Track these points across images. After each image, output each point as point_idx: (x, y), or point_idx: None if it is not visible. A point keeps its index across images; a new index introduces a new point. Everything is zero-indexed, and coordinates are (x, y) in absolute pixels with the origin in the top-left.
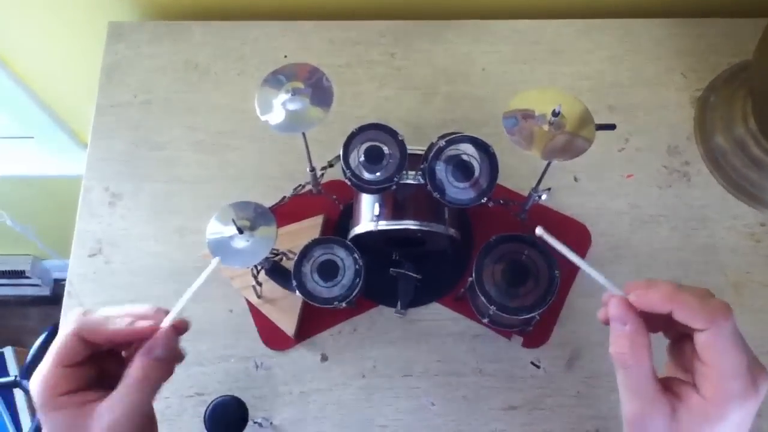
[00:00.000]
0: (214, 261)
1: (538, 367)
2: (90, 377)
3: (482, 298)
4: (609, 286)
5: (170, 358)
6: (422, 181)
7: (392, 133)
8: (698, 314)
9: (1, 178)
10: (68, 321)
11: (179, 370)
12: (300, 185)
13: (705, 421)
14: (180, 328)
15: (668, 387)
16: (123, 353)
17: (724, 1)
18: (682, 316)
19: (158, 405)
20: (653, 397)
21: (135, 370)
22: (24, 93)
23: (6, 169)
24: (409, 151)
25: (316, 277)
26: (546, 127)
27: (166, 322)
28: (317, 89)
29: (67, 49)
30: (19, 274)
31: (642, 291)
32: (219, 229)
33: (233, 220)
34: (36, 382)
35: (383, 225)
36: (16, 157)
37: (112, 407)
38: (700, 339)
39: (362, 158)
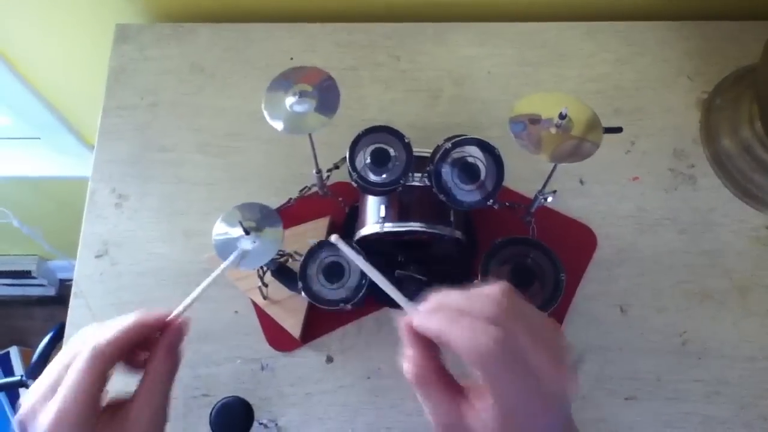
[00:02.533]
0: (231, 257)
1: None
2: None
3: None
4: (403, 304)
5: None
6: (428, 183)
7: (398, 136)
8: (466, 357)
9: (7, 179)
10: (80, 354)
11: (184, 371)
12: (306, 187)
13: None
14: (186, 324)
15: (465, 395)
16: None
17: (730, 3)
18: (453, 352)
19: None
20: (447, 411)
21: (159, 364)
22: (31, 94)
23: (13, 170)
24: (414, 154)
25: (321, 278)
26: (553, 131)
27: (176, 314)
28: (324, 92)
29: (74, 52)
30: (26, 274)
31: (423, 318)
32: (225, 230)
33: (240, 222)
34: (59, 422)
35: (389, 227)
36: (23, 158)
37: (142, 409)
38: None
39: (368, 160)
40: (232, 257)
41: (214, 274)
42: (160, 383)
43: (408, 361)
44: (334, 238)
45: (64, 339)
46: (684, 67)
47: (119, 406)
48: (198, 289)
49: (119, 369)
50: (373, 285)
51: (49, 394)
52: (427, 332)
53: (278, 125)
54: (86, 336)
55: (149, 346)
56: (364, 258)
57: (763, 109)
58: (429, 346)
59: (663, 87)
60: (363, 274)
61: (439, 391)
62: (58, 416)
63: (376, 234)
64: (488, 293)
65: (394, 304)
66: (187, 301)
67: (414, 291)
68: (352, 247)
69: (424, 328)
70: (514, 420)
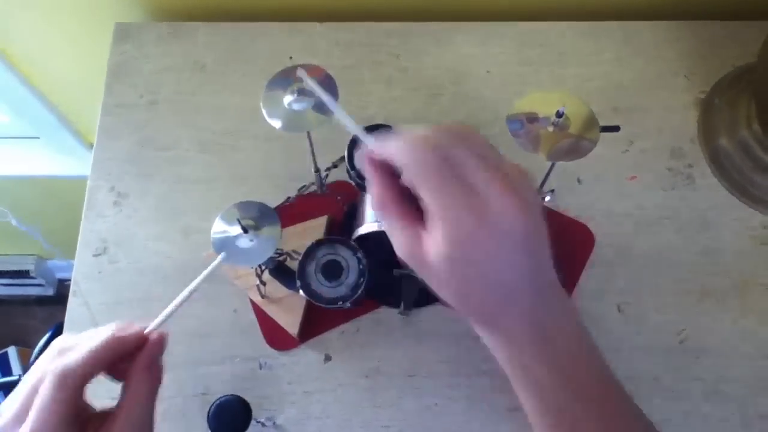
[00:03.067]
0: (218, 258)
1: None
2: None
3: None
4: (360, 135)
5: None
6: None
7: None
8: (407, 172)
9: (6, 178)
10: (45, 381)
11: (182, 369)
12: (305, 185)
13: (439, 253)
14: (164, 338)
15: (422, 217)
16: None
17: (728, 3)
18: (402, 171)
19: (162, 405)
20: (404, 232)
21: (140, 384)
22: (30, 93)
23: (12, 169)
24: None
25: (320, 277)
26: (550, 129)
27: (152, 328)
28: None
29: (73, 50)
30: (24, 274)
31: (378, 144)
32: (224, 228)
33: (238, 220)
34: None
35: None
36: (22, 157)
37: (123, 428)
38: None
39: None
40: (206, 271)
41: (191, 286)
42: (142, 402)
43: (370, 187)
44: (299, 71)
45: None
46: (682, 67)
47: (104, 418)
48: (174, 303)
49: (102, 376)
50: (372, 284)
51: (21, 416)
52: (381, 155)
53: (277, 123)
54: (54, 354)
55: (128, 360)
56: (331, 97)
57: (761, 108)
58: (389, 174)
59: (661, 86)
60: (361, 273)
61: (398, 212)
62: None
63: (375, 232)
64: (445, 125)
65: (392, 303)
66: (164, 315)
67: (412, 289)
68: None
69: (379, 151)
70: (461, 243)
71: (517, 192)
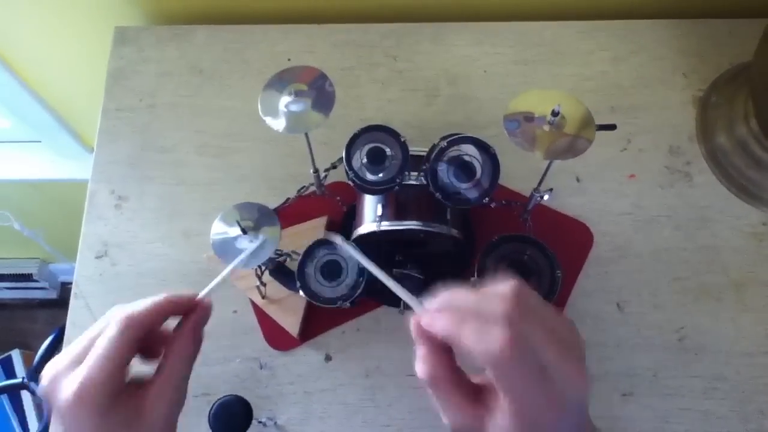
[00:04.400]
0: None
1: None
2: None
3: None
4: (412, 304)
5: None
6: (425, 181)
7: (394, 135)
8: (476, 356)
9: (8, 182)
10: (110, 325)
11: None
12: (304, 186)
13: None
14: (211, 306)
15: (480, 396)
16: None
17: (725, 1)
18: (464, 353)
19: None
20: (462, 414)
21: (183, 347)
22: (31, 98)
23: (13, 173)
24: (411, 153)
25: (319, 277)
26: (547, 128)
27: (203, 295)
28: (319, 91)
29: (73, 54)
30: (27, 277)
31: (431, 319)
32: (223, 229)
33: (237, 221)
34: (85, 389)
35: (386, 226)
36: (24, 161)
37: (163, 387)
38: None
39: (365, 159)
40: (253, 246)
41: (237, 260)
42: (183, 363)
43: (420, 360)
44: (331, 236)
45: (65, 340)
46: (680, 65)
47: (138, 385)
48: (223, 273)
49: (135, 358)
50: (370, 283)
51: (73, 365)
52: (436, 332)
53: (275, 125)
54: (116, 311)
55: (164, 340)
56: (373, 263)
57: (758, 105)
58: (441, 345)
59: (659, 85)
60: (361, 272)
61: (453, 392)
62: (82, 385)
63: (374, 233)
64: (499, 292)
65: (393, 303)
66: (213, 283)
67: (412, 289)
68: (362, 252)
69: (433, 328)
70: (529, 422)
71: (579, 364)
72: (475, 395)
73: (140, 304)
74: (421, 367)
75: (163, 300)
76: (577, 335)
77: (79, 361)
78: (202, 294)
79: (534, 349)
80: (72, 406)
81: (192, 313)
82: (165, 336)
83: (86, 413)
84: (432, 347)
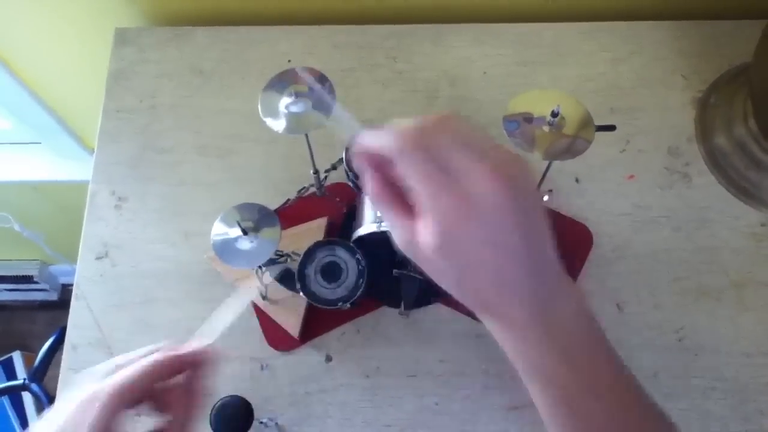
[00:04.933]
0: (252, 290)
1: None
2: None
3: None
4: (352, 127)
5: None
6: None
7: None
8: (385, 149)
9: (8, 184)
10: (95, 397)
11: None
12: (304, 188)
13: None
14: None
15: (415, 209)
16: None
17: (725, 3)
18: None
19: None
20: (401, 226)
21: (193, 406)
22: (31, 99)
23: (14, 175)
24: None
25: (319, 278)
26: (546, 129)
27: (208, 341)
28: (319, 92)
29: (73, 55)
30: (27, 279)
31: (367, 136)
32: (224, 230)
33: (237, 222)
34: None
35: (386, 226)
36: (24, 162)
37: None
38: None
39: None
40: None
41: (244, 300)
42: (194, 418)
43: (366, 183)
44: (297, 69)
45: (65, 341)
46: (679, 66)
47: None
48: (226, 322)
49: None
50: (371, 284)
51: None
52: (371, 148)
53: (275, 126)
54: (107, 370)
55: (170, 393)
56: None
57: (757, 106)
58: (384, 168)
59: (658, 86)
60: (360, 274)
61: (394, 209)
62: None
63: (374, 234)
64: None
65: (392, 304)
66: (218, 330)
67: (412, 290)
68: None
69: (368, 145)
70: (442, 230)
71: (499, 173)
72: (412, 211)
73: (129, 373)
74: (367, 187)
75: (152, 367)
76: (514, 157)
77: None
78: (205, 345)
79: (443, 155)
80: None
81: (199, 369)
82: (171, 389)
83: None
84: (374, 167)
